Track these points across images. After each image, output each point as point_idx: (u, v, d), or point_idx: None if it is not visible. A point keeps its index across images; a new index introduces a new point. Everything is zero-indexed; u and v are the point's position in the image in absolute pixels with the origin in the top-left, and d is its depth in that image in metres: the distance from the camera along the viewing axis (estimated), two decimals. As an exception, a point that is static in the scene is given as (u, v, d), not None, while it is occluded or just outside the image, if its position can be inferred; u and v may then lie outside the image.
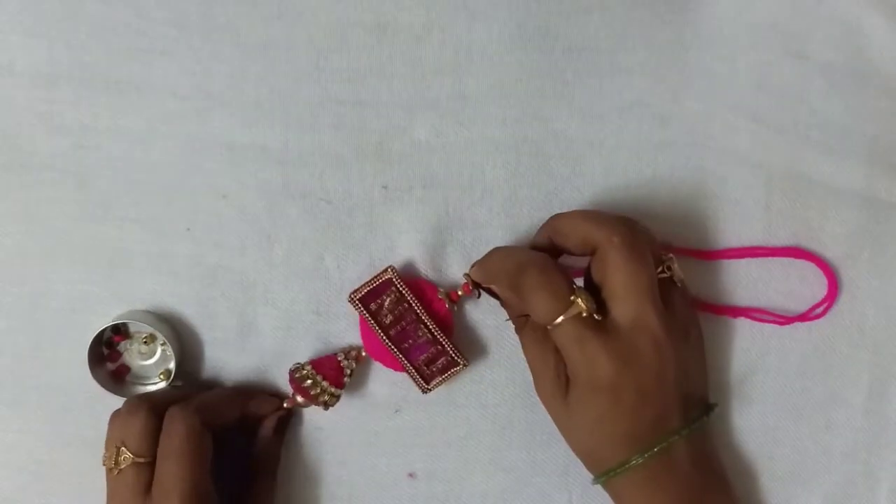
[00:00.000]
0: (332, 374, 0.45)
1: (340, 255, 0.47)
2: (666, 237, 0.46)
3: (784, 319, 0.46)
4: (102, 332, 0.46)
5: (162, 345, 0.47)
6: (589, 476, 0.43)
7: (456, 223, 0.47)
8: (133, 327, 0.47)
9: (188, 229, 0.47)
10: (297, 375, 0.45)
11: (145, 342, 0.47)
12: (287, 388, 0.46)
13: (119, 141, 0.46)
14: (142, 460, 0.42)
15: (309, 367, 0.45)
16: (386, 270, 0.45)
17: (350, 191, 0.47)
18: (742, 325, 0.47)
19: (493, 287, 0.44)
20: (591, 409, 0.41)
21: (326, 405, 0.45)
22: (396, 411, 0.47)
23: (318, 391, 0.45)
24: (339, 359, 0.46)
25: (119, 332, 0.47)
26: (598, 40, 0.46)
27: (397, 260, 0.47)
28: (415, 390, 0.46)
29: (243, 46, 0.46)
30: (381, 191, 0.47)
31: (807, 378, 0.47)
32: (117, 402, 0.46)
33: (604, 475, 0.42)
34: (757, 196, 0.46)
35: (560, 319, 0.41)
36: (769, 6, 0.46)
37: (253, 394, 0.46)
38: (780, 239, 0.47)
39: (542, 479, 0.48)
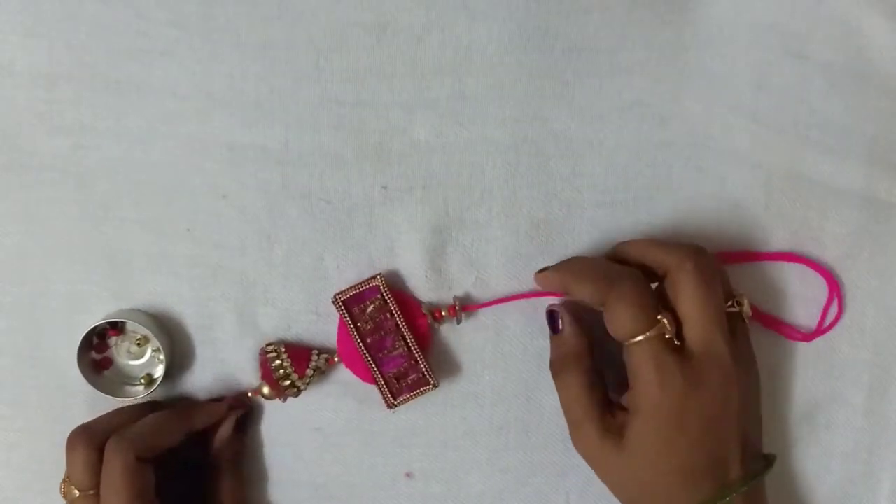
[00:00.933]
0: (300, 365, 0.45)
1: (340, 256, 0.47)
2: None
3: (802, 336, 0.47)
4: (101, 325, 0.46)
5: (154, 350, 0.47)
6: (586, 477, 0.43)
7: (456, 223, 0.47)
8: (131, 327, 0.47)
9: (188, 229, 0.47)
10: (268, 349, 0.46)
11: (138, 344, 0.47)
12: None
13: (119, 141, 0.46)
14: (90, 492, 0.42)
15: (282, 349, 0.46)
16: (374, 277, 0.45)
17: (350, 191, 0.47)
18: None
19: (560, 310, 0.44)
20: (654, 438, 0.40)
21: (284, 394, 0.45)
22: (394, 412, 0.47)
23: (281, 374, 0.45)
24: (313, 354, 0.46)
25: (116, 327, 0.47)
26: (598, 40, 0.46)
27: (397, 261, 0.47)
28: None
29: (243, 46, 0.46)
30: (381, 191, 0.47)
31: (807, 378, 0.47)
32: (117, 401, 0.46)
33: None
34: (757, 196, 0.46)
35: (642, 337, 0.40)
36: (769, 6, 0.46)
37: (195, 407, 0.46)
38: (780, 239, 0.47)
39: (539, 480, 0.48)
